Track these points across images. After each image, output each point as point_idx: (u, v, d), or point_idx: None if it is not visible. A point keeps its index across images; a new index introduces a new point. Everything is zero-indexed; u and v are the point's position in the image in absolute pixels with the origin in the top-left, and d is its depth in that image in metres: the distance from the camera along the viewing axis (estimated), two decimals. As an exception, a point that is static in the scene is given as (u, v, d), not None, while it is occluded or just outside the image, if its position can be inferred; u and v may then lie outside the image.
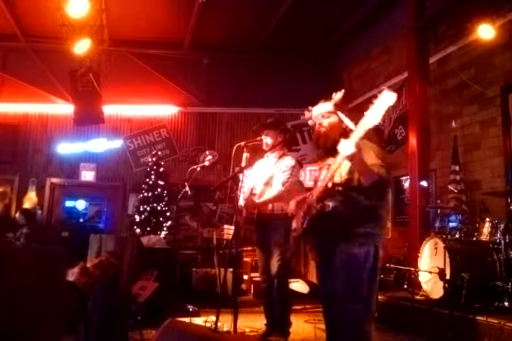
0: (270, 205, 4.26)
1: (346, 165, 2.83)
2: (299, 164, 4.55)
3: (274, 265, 4.18)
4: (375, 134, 7.65)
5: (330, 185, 2.86)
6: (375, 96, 2.54)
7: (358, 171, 2.76)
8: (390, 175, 2.86)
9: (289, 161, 4.31)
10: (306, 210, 3.03)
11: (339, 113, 3.05)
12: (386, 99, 2.51)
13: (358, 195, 2.81)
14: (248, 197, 4.27)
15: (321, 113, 3.07)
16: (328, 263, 2.92)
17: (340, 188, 2.86)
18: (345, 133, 2.96)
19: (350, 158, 2.61)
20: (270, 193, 4.26)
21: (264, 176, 4.35)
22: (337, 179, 2.87)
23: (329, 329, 3.04)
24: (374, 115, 2.52)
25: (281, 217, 4.18)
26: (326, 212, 2.90)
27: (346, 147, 2.56)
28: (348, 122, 3.01)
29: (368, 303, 2.84)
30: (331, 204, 2.90)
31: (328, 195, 2.90)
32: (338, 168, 2.84)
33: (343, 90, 3.11)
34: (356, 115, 3.13)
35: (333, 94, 3.11)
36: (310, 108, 3.18)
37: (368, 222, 2.85)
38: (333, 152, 2.89)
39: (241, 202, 4.21)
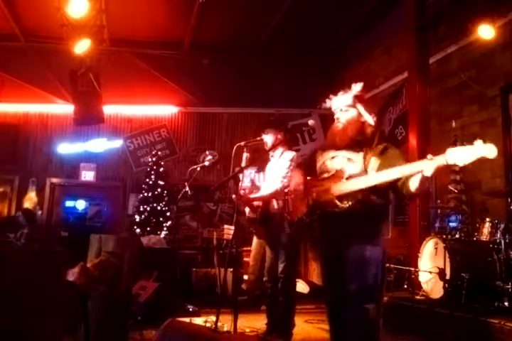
0: (276, 204, 4.18)
1: (374, 164, 2.75)
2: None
3: (280, 265, 4.15)
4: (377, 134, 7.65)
5: (364, 187, 2.71)
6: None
7: (424, 182, 2.61)
8: None
9: (288, 155, 4.27)
10: (317, 203, 2.87)
11: (358, 106, 2.94)
12: (484, 151, 2.43)
13: (373, 195, 2.76)
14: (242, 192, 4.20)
15: (339, 106, 2.97)
16: (339, 264, 2.83)
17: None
18: (364, 128, 2.90)
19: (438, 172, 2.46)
20: (268, 189, 4.23)
21: (269, 175, 4.35)
22: None
23: (340, 331, 2.93)
24: (465, 156, 2.41)
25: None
26: (342, 211, 2.76)
27: (462, 159, 2.40)
28: (366, 116, 2.92)
29: (380, 303, 2.82)
30: (349, 202, 2.75)
31: (350, 193, 2.76)
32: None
33: (362, 83, 2.98)
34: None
35: (353, 84, 2.99)
36: (331, 96, 3.06)
37: (380, 221, 2.89)
38: (348, 147, 2.87)
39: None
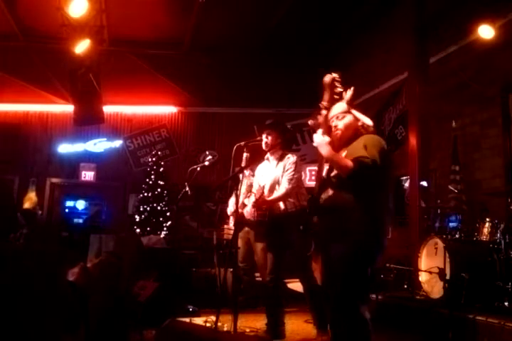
0: (282, 205, 4.22)
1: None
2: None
3: (279, 264, 4.19)
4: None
5: (324, 174, 2.90)
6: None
7: (330, 164, 2.88)
8: (378, 164, 2.74)
9: (290, 158, 4.32)
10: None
11: (353, 111, 3.00)
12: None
13: (349, 190, 2.78)
14: (258, 196, 4.25)
15: (335, 114, 3.01)
16: (327, 261, 2.90)
17: (333, 180, 2.85)
18: (362, 129, 2.96)
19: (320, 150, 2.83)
20: (278, 192, 4.26)
21: (270, 178, 4.35)
22: (334, 172, 2.89)
23: (332, 329, 3.02)
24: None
25: (295, 213, 4.16)
26: (320, 206, 2.88)
27: (316, 139, 2.86)
28: (363, 118, 2.99)
29: (365, 302, 2.83)
30: (323, 196, 2.89)
31: (323, 187, 2.89)
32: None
33: (352, 88, 3.04)
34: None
35: (343, 92, 3.04)
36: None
37: (360, 219, 2.75)
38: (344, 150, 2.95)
39: (249, 202, 4.20)
